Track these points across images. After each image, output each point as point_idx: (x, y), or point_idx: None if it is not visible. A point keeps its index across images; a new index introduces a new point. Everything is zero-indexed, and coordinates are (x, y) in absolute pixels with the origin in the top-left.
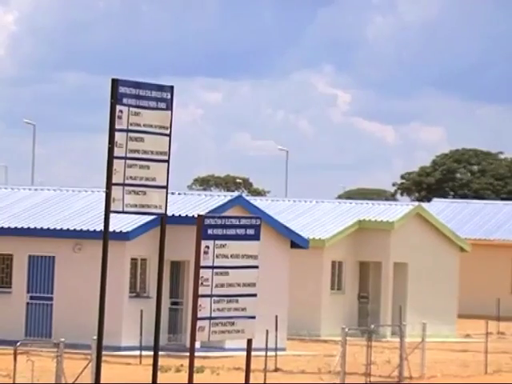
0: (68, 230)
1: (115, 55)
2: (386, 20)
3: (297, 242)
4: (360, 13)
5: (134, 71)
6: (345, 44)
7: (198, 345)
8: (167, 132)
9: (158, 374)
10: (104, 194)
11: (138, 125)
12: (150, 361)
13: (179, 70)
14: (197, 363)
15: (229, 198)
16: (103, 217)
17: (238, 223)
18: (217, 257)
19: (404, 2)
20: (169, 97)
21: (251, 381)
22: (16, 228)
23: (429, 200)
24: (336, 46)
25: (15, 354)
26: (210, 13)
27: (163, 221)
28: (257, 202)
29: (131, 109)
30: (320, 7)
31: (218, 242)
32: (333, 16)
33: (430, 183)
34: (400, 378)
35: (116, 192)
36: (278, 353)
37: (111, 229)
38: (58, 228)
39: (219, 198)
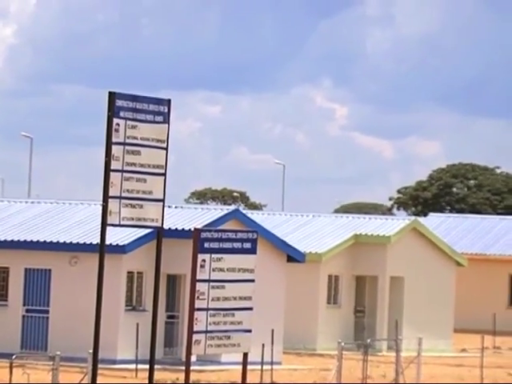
0: (64, 242)
1: (114, 68)
2: (384, 34)
3: (293, 256)
4: (358, 26)
5: (133, 84)
6: (343, 58)
7: (193, 358)
8: (164, 145)
9: None
10: (100, 207)
11: (135, 138)
12: (146, 374)
13: (178, 83)
14: (193, 377)
15: (225, 211)
16: (100, 230)
17: (234, 237)
18: (213, 270)
19: (403, 15)
20: (166, 110)
21: None
22: (12, 241)
23: (425, 214)
24: (334, 59)
25: (11, 367)
26: (210, 26)
27: (160, 234)
28: (253, 215)
29: (128, 122)
30: (319, 21)
31: (215, 256)
32: (331, 30)
33: (427, 198)
34: None
35: (113, 205)
36: (274, 367)
37: (107, 242)
38: (55, 241)
39: (216, 211)
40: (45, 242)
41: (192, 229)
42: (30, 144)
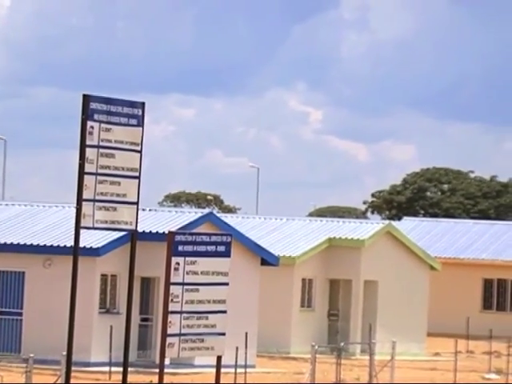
0: (38, 245)
1: (88, 71)
2: (359, 38)
3: (267, 259)
4: (333, 30)
5: (108, 87)
6: (318, 62)
7: (167, 361)
8: (138, 148)
9: None
10: (74, 210)
11: (109, 141)
12: (120, 377)
13: (152, 87)
14: (166, 380)
15: (200, 214)
16: (73, 232)
17: (208, 240)
18: (187, 273)
19: (377, 20)
20: (140, 113)
21: None
22: None
23: (399, 218)
24: (309, 63)
25: None
26: (185, 30)
27: (134, 237)
28: (228, 218)
29: (102, 125)
30: (293, 25)
31: (189, 259)
32: (306, 34)
33: (401, 202)
34: None
35: (86, 208)
36: (248, 370)
37: (81, 245)
38: (29, 243)
39: (190, 214)
40: (18, 244)
41: (166, 232)
42: (3, 146)
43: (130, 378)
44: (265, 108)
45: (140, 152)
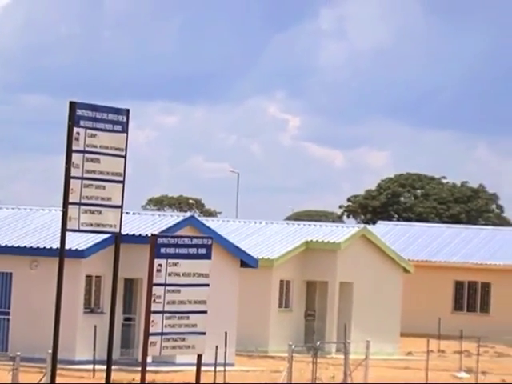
0: (25, 247)
1: (75, 79)
2: (336, 48)
3: (246, 262)
4: (312, 41)
5: (94, 95)
6: (297, 71)
7: (149, 359)
8: (122, 154)
9: None
10: (61, 213)
11: (95, 146)
12: (103, 374)
13: (137, 94)
14: (148, 377)
15: (181, 218)
16: (59, 235)
17: (190, 243)
18: (169, 275)
19: (355, 30)
20: (124, 120)
21: None
22: None
23: (374, 222)
24: (288, 72)
25: None
26: (168, 39)
27: (118, 239)
28: (208, 222)
29: (88, 131)
30: (274, 35)
31: (171, 261)
32: (286, 44)
33: (376, 206)
34: None
35: (72, 211)
36: (227, 368)
37: (67, 247)
38: (16, 245)
39: (172, 218)
40: (6, 246)
41: (149, 234)
42: None
43: (113, 376)
44: (245, 115)
45: (124, 157)
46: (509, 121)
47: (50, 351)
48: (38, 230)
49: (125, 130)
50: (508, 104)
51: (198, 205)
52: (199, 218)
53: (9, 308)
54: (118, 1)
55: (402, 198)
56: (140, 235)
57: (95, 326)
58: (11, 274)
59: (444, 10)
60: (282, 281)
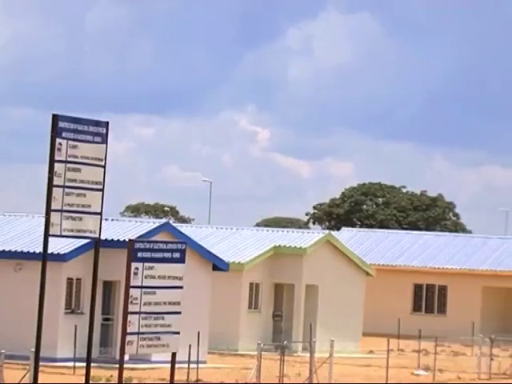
0: (10, 251)
1: (58, 92)
2: (303, 64)
3: (218, 265)
4: (281, 58)
5: (75, 108)
6: (266, 86)
7: (126, 357)
8: (102, 164)
9: (90, 383)
10: (43, 219)
11: (76, 157)
12: (83, 371)
13: (116, 107)
14: (125, 374)
15: (157, 224)
16: (42, 240)
17: (165, 247)
18: (145, 278)
19: (320, 48)
20: (104, 131)
21: None
22: None
23: (338, 229)
24: (258, 87)
25: None
26: (145, 55)
27: (97, 244)
28: (183, 228)
29: (69, 142)
30: (245, 52)
31: (147, 264)
32: (256, 60)
33: (340, 214)
34: None
35: (54, 217)
36: (200, 365)
37: (49, 251)
38: (1, 249)
39: (148, 224)
40: None
41: (127, 240)
42: None
43: (92, 373)
44: (218, 127)
45: (104, 167)
46: (464, 134)
47: (33, 349)
48: (21, 235)
49: (104, 141)
50: (463, 118)
51: (173, 212)
52: (174, 225)
53: None
54: (98, 20)
55: (364, 206)
56: (118, 240)
57: (75, 326)
58: None
59: (404, 30)
60: (251, 283)
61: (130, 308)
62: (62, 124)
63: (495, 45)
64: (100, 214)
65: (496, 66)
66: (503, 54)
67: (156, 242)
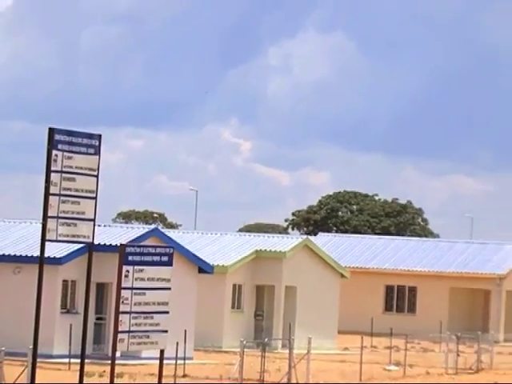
0: (9, 255)
1: (54, 106)
2: (282, 80)
3: (203, 268)
4: (261, 74)
5: (70, 121)
6: (248, 101)
7: (118, 354)
8: (95, 173)
9: (84, 378)
10: (40, 225)
11: (71, 167)
12: (78, 367)
13: (108, 121)
14: (117, 370)
15: (147, 229)
16: (40, 244)
17: (154, 251)
18: (135, 280)
19: (299, 65)
20: (97, 144)
21: None
22: None
23: (315, 234)
24: (241, 102)
25: None
26: (135, 72)
27: (91, 248)
28: (170, 233)
29: (65, 153)
30: (228, 69)
31: (137, 267)
32: (239, 77)
33: (317, 220)
34: None
35: (51, 223)
36: (186, 361)
37: (46, 255)
38: (0, 253)
39: (138, 229)
40: None
41: (118, 244)
42: None
43: (86, 368)
44: (203, 139)
45: (97, 176)
46: (431, 145)
47: (31, 347)
48: (20, 240)
49: (97, 152)
50: (430, 131)
51: (162, 218)
52: (162, 230)
53: None
54: (90, 39)
55: (339, 213)
56: (110, 245)
57: (71, 325)
58: None
59: (375, 49)
60: (234, 285)
61: (122, 308)
62: (57, 137)
63: (457, 62)
64: (93, 220)
65: (458, 82)
66: (465, 71)
67: (145, 246)
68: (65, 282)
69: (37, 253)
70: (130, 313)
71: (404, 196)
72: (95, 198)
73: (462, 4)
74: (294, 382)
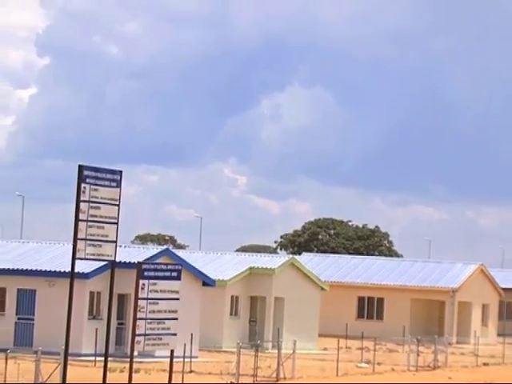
0: (45, 270)
1: (82, 147)
2: (274, 126)
3: (207, 282)
4: (256, 121)
5: (96, 159)
6: (245, 143)
7: (136, 353)
8: (117, 203)
9: (108, 373)
10: (71, 246)
11: (96, 197)
12: (102, 364)
13: (127, 159)
14: (135, 366)
15: (159, 250)
16: (70, 262)
17: (165, 268)
18: (150, 291)
19: (287, 114)
20: (118, 178)
21: (173, 380)
22: (8, 269)
23: (300, 254)
24: (238, 144)
25: (6, 358)
26: (150, 118)
27: (113, 265)
28: (179, 253)
29: (92, 186)
30: (228, 117)
31: (151, 281)
32: (237, 123)
33: (301, 242)
34: (278, 379)
35: (80, 244)
36: (192, 359)
37: (76, 270)
38: (39, 269)
39: (152, 250)
40: (31, 270)
41: (136, 262)
42: (22, 200)
43: (109, 365)
44: (207, 175)
45: (118, 205)
46: (395, 180)
47: (63, 347)
48: (54, 259)
49: (118, 185)
50: (394, 168)
51: (172, 240)
52: (172, 250)
53: (33, 315)
54: (113, 92)
55: (319, 236)
56: (129, 262)
57: (96, 329)
58: (35, 290)
59: (349, 99)
60: (232, 296)
61: (138, 315)
62: (86, 172)
63: (416, 111)
64: (115, 242)
65: (417, 127)
66: (422, 118)
67: (158, 263)
68: (91, 293)
69: (68, 269)
70: (145, 319)
71: (373, 222)
72: (117, 224)
73: (418, 65)
74: (282, 376)
